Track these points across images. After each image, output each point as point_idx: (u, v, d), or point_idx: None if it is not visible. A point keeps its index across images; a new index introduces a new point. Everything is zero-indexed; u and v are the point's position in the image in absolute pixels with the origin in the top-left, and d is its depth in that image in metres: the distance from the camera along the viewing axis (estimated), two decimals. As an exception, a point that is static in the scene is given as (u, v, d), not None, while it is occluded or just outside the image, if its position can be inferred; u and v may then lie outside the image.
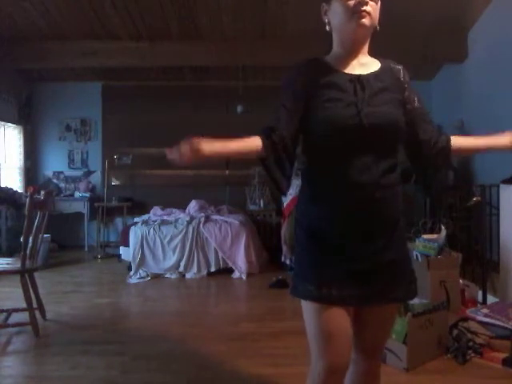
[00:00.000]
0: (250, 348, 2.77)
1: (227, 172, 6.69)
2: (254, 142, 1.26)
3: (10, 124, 6.20)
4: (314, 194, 1.32)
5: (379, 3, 1.30)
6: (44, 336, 2.98)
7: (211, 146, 1.21)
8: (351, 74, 1.31)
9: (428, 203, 5.20)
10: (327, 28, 1.34)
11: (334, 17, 1.30)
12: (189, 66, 6.09)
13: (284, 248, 5.02)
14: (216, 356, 2.65)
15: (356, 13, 1.24)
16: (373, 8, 1.26)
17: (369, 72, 1.33)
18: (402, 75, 1.39)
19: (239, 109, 6.21)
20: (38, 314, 3.14)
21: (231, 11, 4.78)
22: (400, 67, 1.41)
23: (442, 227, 3.38)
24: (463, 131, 5.29)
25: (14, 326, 3.05)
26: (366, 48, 1.36)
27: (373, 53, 1.42)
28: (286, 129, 1.29)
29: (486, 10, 4.75)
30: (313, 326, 1.29)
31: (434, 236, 3.34)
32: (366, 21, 1.25)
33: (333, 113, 1.25)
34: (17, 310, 3.20)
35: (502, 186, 3.43)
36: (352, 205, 1.26)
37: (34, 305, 3.09)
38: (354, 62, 1.34)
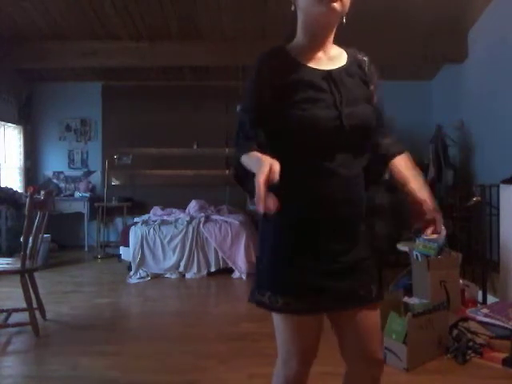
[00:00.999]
0: (250, 348, 2.77)
1: (227, 172, 6.69)
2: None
3: (10, 124, 6.20)
4: (286, 194, 1.19)
5: None
6: (44, 336, 2.98)
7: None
8: (322, 70, 1.23)
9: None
10: (292, 7, 1.26)
11: None
12: (189, 66, 6.09)
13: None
14: (216, 356, 2.65)
15: None
16: None
17: (338, 67, 1.26)
18: (367, 67, 1.30)
19: (239, 109, 6.21)
20: (38, 314, 3.14)
21: (231, 11, 4.78)
22: (366, 58, 1.32)
23: (442, 227, 3.37)
24: (463, 131, 5.30)
25: (14, 326, 3.05)
26: (331, 38, 1.27)
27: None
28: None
29: (485, 10, 4.75)
30: (282, 330, 1.26)
31: (434, 236, 3.34)
32: (336, 5, 1.15)
33: (312, 114, 1.18)
34: (17, 310, 3.20)
35: (501, 185, 3.43)
36: (328, 204, 1.20)
37: (34, 305, 3.09)
38: (321, 55, 1.25)
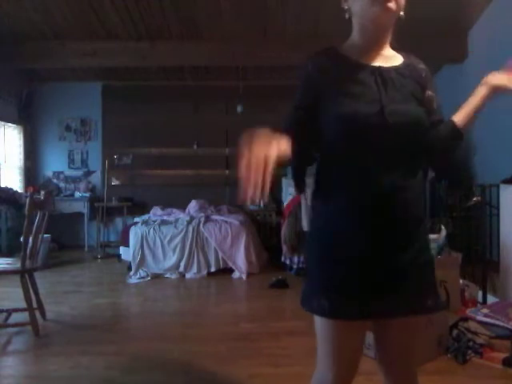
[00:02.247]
0: (250, 348, 2.77)
1: (227, 172, 6.69)
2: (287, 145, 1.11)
3: (10, 124, 6.20)
4: (329, 197, 1.21)
5: None
6: (44, 336, 2.98)
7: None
8: (371, 66, 1.20)
9: (428, 203, 5.20)
10: (346, 15, 1.22)
11: (355, 1, 1.18)
12: (189, 66, 6.10)
13: (284, 248, 5.02)
14: (216, 356, 2.65)
15: None
16: None
17: (390, 65, 1.22)
18: (424, 74, 1.28)
19: (239, 109, 6.22)
20: (37, 314, 3.14)
21: (231, 11, 4.78)
22: (423, 67, 1.30)
23: (442, 227, 3.37)
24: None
25: (13, 326, 3.06)
26: (388, 38, 1.25)
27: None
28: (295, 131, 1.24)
29: (485, 10, 4.75)
30: (324, 338, 1.21)
31: (434, 236, 3.34)
32: (391, 5, 1.13)
33: (352, 109, 1.13)
34: (17, 310, 3.19)
35: (501, 185, 3.43)
36: (370, 209, 1.15)
37: (34, 305, 3.09)
38: (374, 53, 1.22)
